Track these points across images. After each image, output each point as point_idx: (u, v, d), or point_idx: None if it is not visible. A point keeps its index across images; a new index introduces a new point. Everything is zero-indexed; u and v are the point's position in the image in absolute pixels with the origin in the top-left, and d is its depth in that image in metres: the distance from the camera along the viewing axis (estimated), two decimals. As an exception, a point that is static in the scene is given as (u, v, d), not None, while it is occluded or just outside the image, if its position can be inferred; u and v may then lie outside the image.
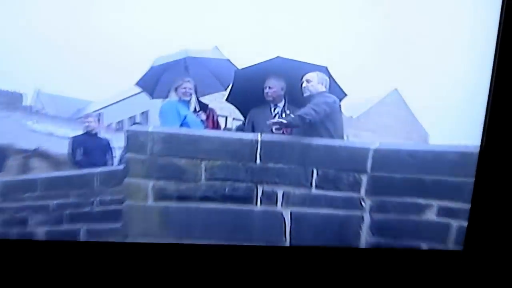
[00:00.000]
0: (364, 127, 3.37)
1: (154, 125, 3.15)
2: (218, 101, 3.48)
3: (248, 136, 3.04)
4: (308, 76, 3.24)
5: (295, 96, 3.28)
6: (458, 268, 2.62)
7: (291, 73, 3.22)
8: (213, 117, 3.36)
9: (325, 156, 2.97)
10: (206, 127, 3.31)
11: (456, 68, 2.75)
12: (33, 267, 2.69)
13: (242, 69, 3.29)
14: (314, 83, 3.22)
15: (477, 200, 2.62)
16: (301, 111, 3.02)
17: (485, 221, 2.58)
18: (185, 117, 3.23)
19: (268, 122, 3.07)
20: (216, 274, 2.77)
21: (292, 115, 3.03)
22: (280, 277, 2.79)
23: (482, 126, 2.59)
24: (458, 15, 2.66)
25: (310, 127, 3.04)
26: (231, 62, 3.31)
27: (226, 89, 3.44)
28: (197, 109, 3.31)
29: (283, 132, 3.09)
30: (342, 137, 3.13)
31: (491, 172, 2.57)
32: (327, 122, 3.08)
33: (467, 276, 2.60)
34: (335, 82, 3.22)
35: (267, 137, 3.05)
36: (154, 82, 3.37)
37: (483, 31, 2.51)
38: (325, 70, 3.19)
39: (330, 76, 3.20)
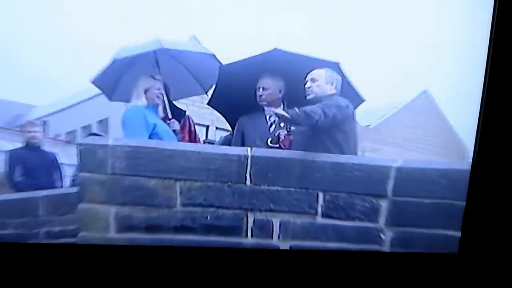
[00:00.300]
0: (384, 140, 3.33)
1: (115, 136, 3.11)
2: (197, 106, 3.50)
3: (236, 150, 3.00)
4: (314, 74, 3.15)
5: (296, 100, 3.16)
6: (454, 271, 2.80)
7: (292, 70, 3.16)
8: (190, 126, 3.34)
9: (333, 176, 2.94)
10: (182, 139, 3.28)
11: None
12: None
13: (229, 64, 3.25)
14: (321, 83, 3.14)
15: (471, 202, 2.77)
16: (307, 108, 2.95)
17: (480, 224, 2.75)
18: (154, 126, 3.16)
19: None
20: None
21: (297, 110, 2.92)
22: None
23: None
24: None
25: (315, 137, 3.01)
26: (214, 57, 3.29)
27: (207, 91, 3.42)
28: (170, 116, 3.26)
29: (280, 146, 3.08)
30: (355, 152, 3.09)
31: (485, 174, 2.75)
32: (336, 131, 3.03)
33: (462, 280, 2.78)
34: (349, 83, 3.16)
35: (260, 152, 2.99)
36: (115, 80, 3.33)
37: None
38: (336, 66, 3.13)
39: (342, 75, 3.14)
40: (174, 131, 3.27)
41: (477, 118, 2.83)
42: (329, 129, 3.04)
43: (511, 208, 2.80)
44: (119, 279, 2.85)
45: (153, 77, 3.25)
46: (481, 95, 2.82)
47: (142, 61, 3.30)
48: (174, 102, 3.37)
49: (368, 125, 3.33)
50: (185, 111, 3.36)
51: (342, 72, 3.17)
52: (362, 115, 3.12)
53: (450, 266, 2.82)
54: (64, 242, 2.95)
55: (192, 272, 2.90)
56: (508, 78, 2.73)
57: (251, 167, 2.94)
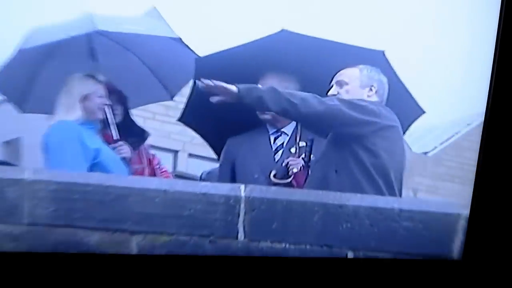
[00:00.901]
0: (447, 174, 3.13)
1: (33, 166, 3.05)
2: (158, 121, 3.43)
3: (223, 189, 2.78)
4: (343, 74, 3.03)
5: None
6: (458, 278, 2.87)
7: (310, 65, 3.00)
8: (147, 152, 3.27)
9: (370, 228, 2.79)
10: (138, 171, 3.22)
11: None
12: None
13: (210, 56, 3.12)
14: (353, 86, 3.01)
15: (476, 207, 2.79)
16: (288, 92, 2.90)
17: (485, 230, 2.79)
18: (97, 153, 3.03)
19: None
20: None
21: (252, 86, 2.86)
22: None
23: None
24: None
25: (343, 169, 2.92)
26: (185, 45, 3.17)
27: (174, 96, 3.31)
28: (115, 137, 3.16)
29: (290, 183, 2.98)
30: (400, 192, 2.98)
31: (490, 179, 2.79)
32: (374, 160, 2.92)
33: (466, 286, 2.88)
34: (400, 84, 3.03)
35: (260, 191, 2.78)
36: (26, 82, 3.23)
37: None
38: (379, 58, 2.99)
39: (391, 73, 2.96)
40: (124, 159, 3.18)
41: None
42: (363, 156, 2.94)
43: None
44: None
45: (93, 77, 3.14)
46: None
47: (68, 51, 3.15)
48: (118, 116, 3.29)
49: (424, 152, 3.16)
50: (144, 130, 3.25)
51: (390, 68, 3.00)
52: (416, 136, 2.94)
53: (455, 273, 2.91)
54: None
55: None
56: None
57: (245, 214, 2.77)
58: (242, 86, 2.85)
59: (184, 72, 3.25)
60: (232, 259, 2.90)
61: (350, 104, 2.92)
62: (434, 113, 3.09)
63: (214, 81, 2.85)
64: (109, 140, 3.18)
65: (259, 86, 2.97)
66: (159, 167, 3.40)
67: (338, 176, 2.96)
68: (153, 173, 3.35)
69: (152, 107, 3.38)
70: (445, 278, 2.99)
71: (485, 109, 2.84)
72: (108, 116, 3.19)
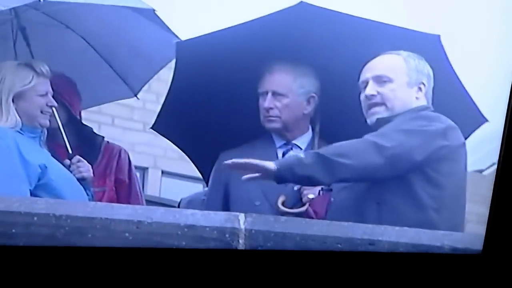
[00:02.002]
0: None
1: None
2: (119, 127, 3.17)
3: (215, 220, 2.42)
4: (383, 65, 2.58)
5: (340, 122, 2.74)
6: (478, 271, 2.72)
7: (333, 50, 2.62)
8: (118, 165, 2.87)
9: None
10: (98, 195, 2.84)
11: None
12: None
13: (196, 39, 2.70)
14: (400, 84, 2.56)
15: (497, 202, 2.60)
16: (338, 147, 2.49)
17: (505, 223, 2.64)
18: (43, 171, 2.53)
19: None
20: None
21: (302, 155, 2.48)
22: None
23: None
24: None
25: (377, 196, 2.47)
26: (159, 20, 2.78)
27: (137, 93, 2.95)
28: (69, 150, 2.73)
29: (306, 213, 2.60)
30: (462, 228, 2.64)
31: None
32: (421, 183, 2.49)
33: (486, 280, 2.73)
34: (460, 83, 2.67)
35: (264, 222, 2.43)
36: None
37: None
38: (434, 45, 2.59)
39: (447, 66, 2.62)
40: (83, 179, 2.72)
41: None
42: (419, 187, 2.54)
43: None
44: None
45: (31, 67, 2.63)
46: None
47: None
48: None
49: (479, 170, 2.90)
50: (102, 137, 2.87)
51: (446, 61, 2.63)
52: (469, 150, 2.60)
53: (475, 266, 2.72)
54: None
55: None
56: None
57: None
58: (280, 162, 2.50)
59: (155, 58, 2.88)
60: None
61: (412, 134, 2.52)
62: (493, 120, 2.80)
63: (245, 160, 2.49)
64: (60, 155, 2.72)
65: (300, 155, 2.50)
66: (134, 187, 2.93)
67: (377, 208, 2.55)
68: (126, 197, 2.92)
69: (109, 108, 2.96)
70: (465, 272, 2.71)
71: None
72: (58, 122, 2.71)
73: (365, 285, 2.75)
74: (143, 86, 3.01)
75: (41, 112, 2.67)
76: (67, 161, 2.75)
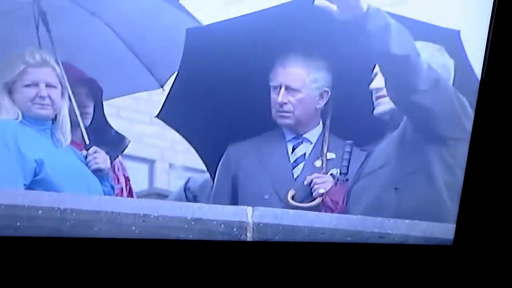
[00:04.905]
0: None
1: None
2: (125, 119, 2.89)
3: (223, 213, 2.47)
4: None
5: (352, 116, 2.69)
6: (448, 263, 2.84)
7: (348, 43, 2.52)
8: (123, 167, 2.77)
9: None
10: (113, 187, 2.68)
11: None
12: None
13: (205, 27, 2.66)
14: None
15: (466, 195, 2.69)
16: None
17: (475, 215, 2.75)
18: (39, 166, 2.47)
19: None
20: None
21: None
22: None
23: None
24: None
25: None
26: (187, 11, 2.69)
27: (164, 84, 2.79)
28: (86, 141, 2.62)
29: (318, 206, 2.59)
30: None
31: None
32: (440, 169, 2.58)
33: (457, 271, 2.85)
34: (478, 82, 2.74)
35: (273, 216, 2.48)
36: None
37: None
38: (453, 41, 2.56)
39: (466, 63, 2.56)
40: (99, 171, 2.62)
41: None
42: (436, 170, 2.53)
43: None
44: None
45: (21, 58, 2.53)
46: None
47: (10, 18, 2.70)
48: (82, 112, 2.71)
49: None
50: (122, 136, 2.72)
51: (466, 59, 2.59)
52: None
53: (446, 258, 2.85)
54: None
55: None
56: None
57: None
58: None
59: (181, 48, 2.71)
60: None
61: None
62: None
63: None
64: (77, 146, 2.66)
65: None
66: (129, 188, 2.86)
67: (396, 195, 2.54)
68: (128, 193, 2.84)
69: (115, 99, 2.76)
70: (435, 263, 2.86)
71: None
72: (76, 112, 2.60)
73: (373, 277, 2.82)
74: (170, 77, 3.02)
75: (33, 103, 2.62)
76: (84, 152, 2.70)
